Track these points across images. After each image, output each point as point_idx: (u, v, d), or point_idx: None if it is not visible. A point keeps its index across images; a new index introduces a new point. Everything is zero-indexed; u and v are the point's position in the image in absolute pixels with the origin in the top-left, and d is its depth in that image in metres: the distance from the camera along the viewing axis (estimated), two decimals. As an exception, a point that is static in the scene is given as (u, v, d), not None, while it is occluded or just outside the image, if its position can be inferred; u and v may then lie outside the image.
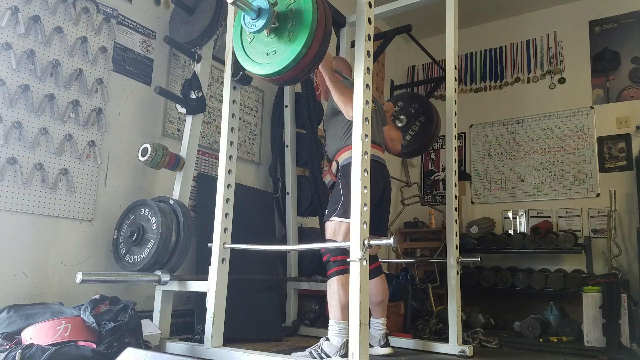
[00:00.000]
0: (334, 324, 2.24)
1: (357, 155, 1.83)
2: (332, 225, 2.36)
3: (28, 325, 1.85)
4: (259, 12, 1.83)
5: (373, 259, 2.63)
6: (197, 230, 2.76)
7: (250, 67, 1.96)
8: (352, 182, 1.83)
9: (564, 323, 3.64)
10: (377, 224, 2.43)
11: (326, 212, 2.42)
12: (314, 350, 2.24)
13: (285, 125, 3.48)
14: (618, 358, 2.88)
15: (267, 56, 1.90)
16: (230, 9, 2.47)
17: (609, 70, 4.61)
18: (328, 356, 2.20)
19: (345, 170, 2.32)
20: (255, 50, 1.94)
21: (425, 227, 5.02)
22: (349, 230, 2.22)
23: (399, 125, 3.35)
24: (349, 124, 2.24)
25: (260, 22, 1.83)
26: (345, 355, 2.14)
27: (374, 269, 2.57)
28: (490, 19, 5.27)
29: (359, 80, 1.88)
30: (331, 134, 2.59)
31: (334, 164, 2.52)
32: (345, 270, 2.27)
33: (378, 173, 2.47)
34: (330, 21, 1.88)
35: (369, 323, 2.39)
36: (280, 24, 1.86)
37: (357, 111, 1.87)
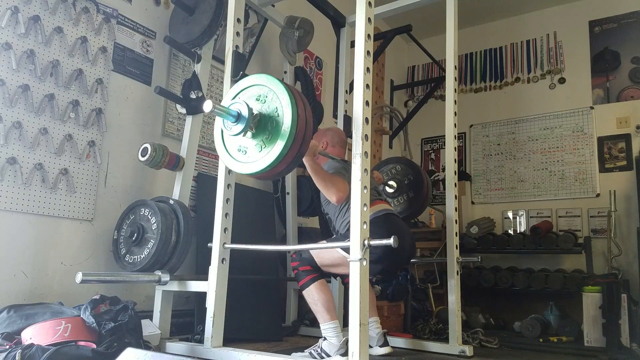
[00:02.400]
0: (326, 326, 2.26)
1: (358, 155, 1.83)
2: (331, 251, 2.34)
3: (28, 325, 1.86)
4: (237, 117, 1.81)
5: None
6: (197, 230, 2.76)
7: (228, 163, 1.94)
8: (352, 182, 1.82)
9: (564, 323, 3.64)
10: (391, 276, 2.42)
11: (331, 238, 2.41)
12: (314, 350, 2.24)
13: (285, 126, 3.47)
14: (618, 358, 2.88)
15: (237, 151, 1.90)
16: (231, 9, 2.47)
17: (609, 70, 4.61)
18: (328, 355, 2.20)
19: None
20: (231, 140, 1.93)
21: (425, 227, 5.01)
22: (338, 259, 2.25)
23: (389, 191, 3.21)
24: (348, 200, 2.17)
25: (238, 128, 1.82)
26: (346, 353, 2.14)
27: None
28: (490, 19, 5.27)
29: (359, 80, 1.88)
30: (333, 212, 2.53)
31: None
32: (317, 277, 2.32)
33: (404, 227, 2.44)
34: (310, 134, 1.85)
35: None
36: (257, 130, 1.84)
37: (357, 111, 1.87)
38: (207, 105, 1.76)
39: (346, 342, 2.18)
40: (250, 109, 1.80)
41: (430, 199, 3.35)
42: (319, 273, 2.35)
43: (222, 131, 1.94)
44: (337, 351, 2.20)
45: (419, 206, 3.18)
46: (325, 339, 2.25)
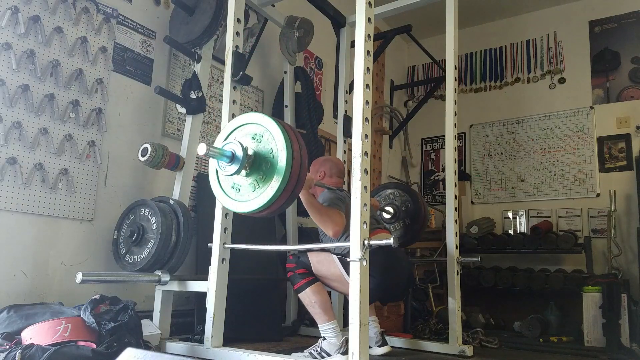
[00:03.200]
0: (325, 327, 2.26)
1: (357, 156, 1.83)
2: (327, 257, 2.34)
3: (28, 325, 1.85)
4: (232, 158, 1.81)
5: None
6: (197, 230, 2.76)
7: (222, 200, 1.94)
8: (352, 182, 1.82)
9: (564, 323, 3.64)
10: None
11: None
12: (314, 350, 2.24)
13: (285, 126, 3.47)
14: (618, 358, 2.88)
15: (231, 189, 1.90)
16: (230, 9, 2.47)
17: (609, 70, 4.61)
18: (329, 355, 2.20)
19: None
20: (225, 178, 1.93)
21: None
22: (331, 269, 2.26)
23: (386, 216, 3.17)
24: (346, 231, 2.17)
25: (232, 168, 1.82)
26: (346, 352, 2.14)
27: None
28: (490, 19, 5.27)
29: (359, 80, 1.88)
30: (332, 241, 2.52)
31: None
32: (313, 280, 2.32)
33: (404, 261, 2.45)
34: (304, 175, 1.85)
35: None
36: (251, 170, 1.84)
37: (357, 111, 1.87)
38: (201, 149, 1.77)
39: (346, 341, 2.18)
40: (245, 150, 1.80)
41: (427, 227, 3.33)
42: (315, 276, 2.35)
43: (216, 170, 1.94)
44: (337, 350, 2.20)
45: (415, 233, 3.14)
46: (325, 338, 2.25)
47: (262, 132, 1.86)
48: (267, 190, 1.78)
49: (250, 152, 1.83)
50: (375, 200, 3.11)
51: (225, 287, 2.25)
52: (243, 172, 1.83)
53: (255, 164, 1.84)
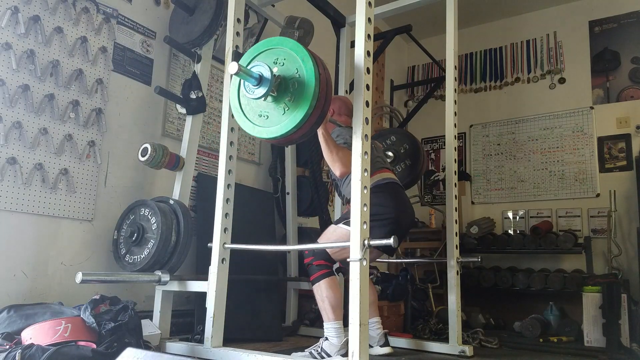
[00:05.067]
0: (329, 326, 2.25)
1: (357, 155, 1.83)
2: (337, 232, 2.35)
3: (28, 325, 1.85)
4: (260, 80, 1.80)
5: None
6: (197, 230, 2.76)
7: (248, 128, 1.91)
8: (352, 182, 1.82)
9: (564, 323, 3.64)
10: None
11: (337, 218, 2.42)
12: (314, 350, 2.24)
13: (285, 125, 3.47)
14: (618, 358, 2.87)
15: (258, 117, 1.88)
16: (230, 9, 2.47)
17: (609, 70, 4.61)
18: (329, 355, 2.20)
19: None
20: (250, 105, 1.91)
21: (425, 227, 5.02)
22: (340, 235, 2.24)
23: (387, 161, 3.30)
24: None
25: (261, 91, 1.80)
26: (346, 354, 2.14)
27: None
28: (490, 19, 5.27)
29: (359, 81, 1.88)
30: (341, 180, 2.53)
31: None
32: (329, 273, 2.32)
33: (407, 200, 2.49)
34: (331, 92, 1.86)
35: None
36: (278, 94, 1.83)
37: (357, 111, 1.87)
38: (233, 67, 1.74)
39: (347, 343, 2.18)
40: (272, 70, 1.78)
41: (427, 168, 3.41)
42: (332, 269, 2.34)
43: (239, 100, 1.93)
44: (338, 352, 2.20)
45: (417, 173, 3.28)
46: (326, 339, 2.25)
47: (283, 55, 1.85)
48: (298, 110, 1.77)
49: (276, 73, 1.81)
50: (379, 143, 3.14)
51: (225, 287, 2.25)
52: (270, 97, 1.82)
53: (282, 87, 1.82)
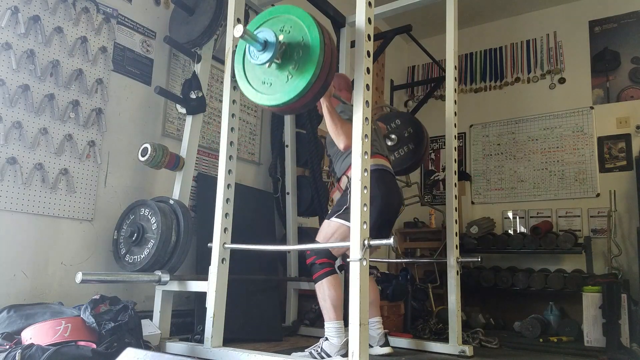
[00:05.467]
0: (330, 325, 2.25)
1: (357, 155, 1.83)
2: (331, 226, 2.35)
3: (28, 325, 1.85)
4: (265, 45, 1.81)
5: None
6: (197, 230, 2.76)
7: (251, 95, 1.93)
8: (352, 182, 1.82)
9: (564, 323, 3.64)
10: (385, 233, 2.43)
11: (329, 212, 2.42)
12: (314, 350, 2.24)
13: (285, 125, 3.48)
14: (618, 358, 2.87)
15: (262, 84, 1.89)
16: (231, 9, 2.47)
17: (609, 70, 4.61)
18: (329, 356, 2.20)
19: None
20: (254, 72, 1.93)
21: (425, 227, 5.02)
22: (346, 235, 2.24)
23: (390, 143, 3.31)
24: None
25: (266, 56, 1.81)
26: (346, 354, 2.14)
27: None
28: (490, 19, 5.27)
29: (359, 81, 1.88)
30: (336, 156, 2.58)
31: (344, 179, 2.51)
32: (331, 272, 2.31)
33: (393, 185, 2.50)
34: (335, 62, 1.86)
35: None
36: (283, 61, 1.84)
37: (357, 111, 1.87)
38: (238, 30, 1.74)
39: (347, 343, 2.17)
40: (276, 36, 1.79)
41: (429, 152, 3.46)
42: (334, 267, 2.34)
43: (243, 68, 1.94)
44: (338, 352, 2.20)
45: (420, 156, 3.31)
46: (326, 339, 2.25)
47: (289, 23, 1.85)
48: (302, 77, 1.78)
49: (281, 39, 1.82)
50: (382, 125, 3.18)
51: (225, 287, 2.25)
52: (274, 65, 1.83)
53: (287, 54, 1.83)
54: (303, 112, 2.24)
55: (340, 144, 2.25)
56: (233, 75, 2.38)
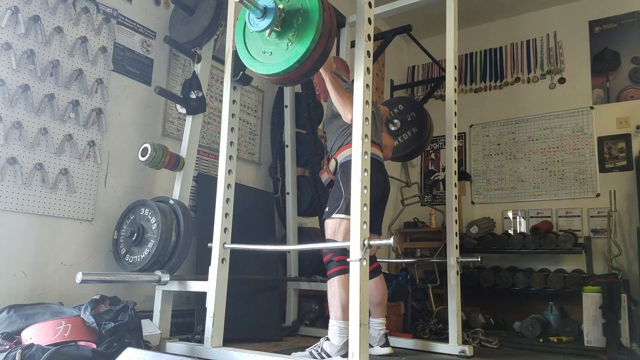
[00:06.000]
0: (334, 324, 2.24)
1: (357, 155, 1.83)
2: (333, 223, 2.35)
3: (28, 325, 1.85)
4: (264, 12, 1.82)
5: (372, 259, 2.63)
6: (197, 230, 2.76)
7: (251, 65, 1.96)
8: (352, 182, 1.82)
9: (564, 323, 3.64)
10: (376, 223, 2.42)
11: (326, 210, 2.41)
12: (314, 350, 2.24)
13: (285, 126, 3.48)
14: (618, 358, 2.88)
15: (262, 54, 1.91)
16: (231, 9, 2.47)
17: (609, 70, 4.61)
18: (329, 356, 2.20)
19: (345, 168, 2.32)
20: (254, 43, 1.95)
21: (425, 227, 5.02)
22: (350, 228, 2.23)
23: (392, 128, 3.36)
24: (348, 123, 2.25)
25: (265, 22, 1.82)
26: (346, 355, 2.14)
27: (374, 270, 2.57)
28: (490, 19, 5.27)
29: (359, 81, 1.88)
30: (331, 134, 2.60)
31: (332, 162, 2.52)
32: (346, 270, 2.27)
33: (379, 172, 2.48)
34: (334, 29, 1.88)
35: (369, 323, 2.39)
36: (282, 29, 1.85)
37: (357, 111, 1.87)
38: None
39: (347, 344, 2.17)
40: (276, 2, 1.81)
41: (432, 137, 3.54)
42: (348, 267, 2.34)
43: (244, 39, 1.97)
44: (338, 352, 2.20)
45: (423, 140, 3.33)
46: (327, 338, 2.25)
47: None
48: (301, 43, 1.79)
49: (280, 7, 1.83)
50: (386, 108, 3.16)
51: (225, 287, 2.25)
52: (274, 33, 1.85)
53: (286, 23, 1.85)
54: (302, 81, 2.26)
55: (347, 115, 2.24)
56: (233, 75, 2.39)
